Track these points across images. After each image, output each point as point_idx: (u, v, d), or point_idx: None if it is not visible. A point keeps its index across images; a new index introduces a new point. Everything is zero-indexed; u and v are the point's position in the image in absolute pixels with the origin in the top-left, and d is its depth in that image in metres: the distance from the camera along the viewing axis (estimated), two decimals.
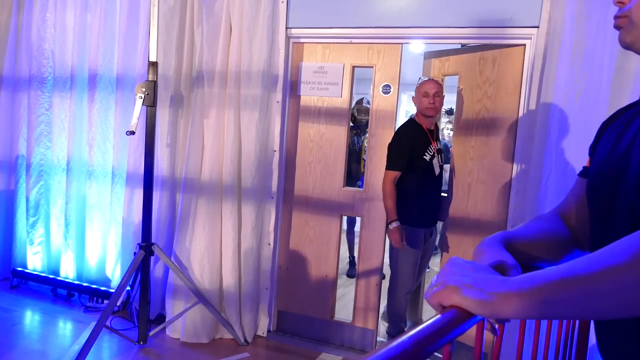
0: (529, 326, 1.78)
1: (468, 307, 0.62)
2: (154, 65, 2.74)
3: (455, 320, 0.60)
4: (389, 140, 2.95)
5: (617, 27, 0.78)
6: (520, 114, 2.67)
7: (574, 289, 0.54)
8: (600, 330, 0.83)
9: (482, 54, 2.90)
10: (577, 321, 1.21)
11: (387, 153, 2.91)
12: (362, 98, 4.50)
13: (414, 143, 2.91)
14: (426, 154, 2.91)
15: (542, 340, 1.09)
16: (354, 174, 4.46)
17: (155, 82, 2.74)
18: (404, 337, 0.53)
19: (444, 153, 3.25)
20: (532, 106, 2.57)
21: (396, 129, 3.03)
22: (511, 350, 2.38)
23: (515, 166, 2.69)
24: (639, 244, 0.52)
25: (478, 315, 0.63)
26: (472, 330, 0.76)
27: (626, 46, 0.77)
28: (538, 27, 2.55)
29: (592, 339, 1.01)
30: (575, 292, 0.54)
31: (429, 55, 3.27)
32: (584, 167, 0.93)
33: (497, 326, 0.74)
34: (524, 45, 2.65)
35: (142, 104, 2.71)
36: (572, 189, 0.95)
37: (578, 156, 2.36)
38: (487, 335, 0.78)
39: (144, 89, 2.71)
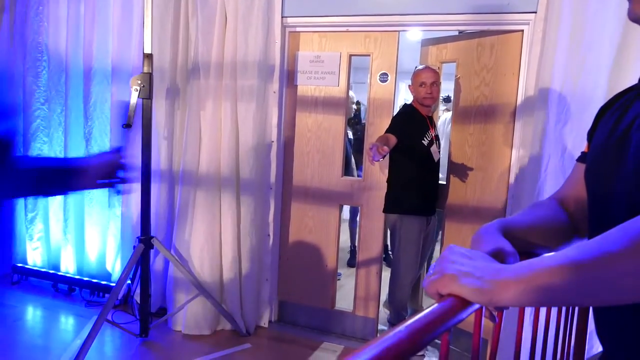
0: (529, 312, 1.78)
1: (466, 295, 0.61)
2: (149, 57, 2.71)
3: (453, 308, 0.60)
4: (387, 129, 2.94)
5: None
6: (519, 100, 2.65)
7: (572, 275, 0.54)
8: (598, 317, 0.83)
9: (479, 41, 2.87)
10: (577, 307, 1.21)
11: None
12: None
13: (412, 125, 2.90)
14: (424, 138, 2.91)
15: (541, 326, 1.09)
16: (357, 164, 4.44)
17: (150, 75, 2.72)
18: (401, 327, 0.53)
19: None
20: (531, 92, 2.55)
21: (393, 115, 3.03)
22: (511, 338, 2.39)
23: (514, 153, 2.67)
24: (637, 230, 0.52)
25: (476, 304, 0.62)
26: (472, 317, 0.75)
27: (636, 19, 0.74)
28: (536, 12, 2.52)
29: (592, 324, 1.01)
30: (574, 279, 0.54)
31: (427, 43, 3.25)
32: (582, 153, 0.92)
33: (495, 314, 0.74)
34: (522, 31, 2.62)
35: (138, 97, 2.69)
36: (571, 175, 0.94)
37: (577, 142, 2.35)
38: (486, 322, 0.78)
39: (139, 82, 2.69)
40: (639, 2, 0.72)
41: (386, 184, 3.00)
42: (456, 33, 3.13)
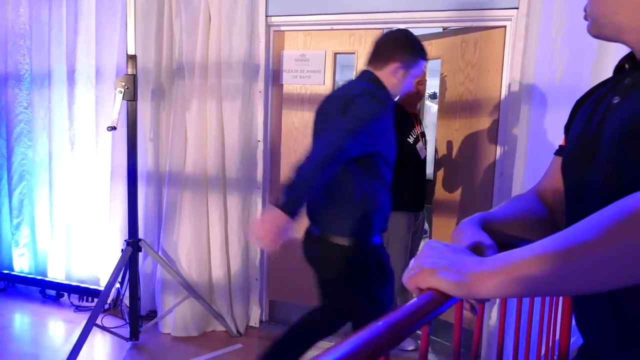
0: (511, 302, 1.80)
1: (444, 289, 0.62)
2: (132, 58, 2.70)
3: (432, 302, 0.60)
4: None
5: (585, 19, 0.82)
6: (503, 95, 2.67)
7: (546, 266, 0.54)
8: (577, 309, 0.84)
9: (463, 37, 2.89)
10: (561, 299, 1.22)
11: None
12: None
13: (397, 123, 2.91)
14: (410, 136, 2.92)
15: (524, 316, 1.10)
16: None
17: (134, 76, 2.70)
18: (379, 322, 0.53)
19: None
20: (515, 87, 2.57)
21: None
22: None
23: (499, 148, 2.70)
24: (608, 219, 0.53)
25: (455, 297, 0.63)
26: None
27: (594, 36, 0.81)
28: (518, 8, 2.55)
29: None
30: (548, 269, 0.54)
31: None
32: (559, 146, 0.93)
33: (476, 306, 0.74)
34: (505, 27, 2.64)
35: (123, 99, 2.67)
36: (549, 168, 0.95)
37: (560, 136, 2.37)
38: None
39: (123, 83, 2.67)
40: (591, 26, 0.80)
41: None
42: (440, 30, 3.14)
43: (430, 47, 3.11)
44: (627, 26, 0.75)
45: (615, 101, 0.75)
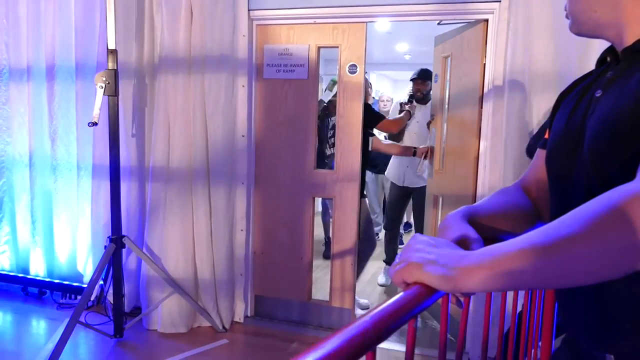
0: (498, 297, 1.82)
1: (431, 283, 0.62)
2: (113, 53, 2.65)
3: (418, 296, 0.61)
4: (357, 121, 2.97)
5: (566, 17, 0.85)
6: (486, 89, 2.69)
7: (531, 259, 0.55)
8: (561, 302, 0.85)
9: (462, 35, 2.94)
10: (544, 291, 1.24)
11: None
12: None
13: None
14: None
15: (508, 307, 1.11)
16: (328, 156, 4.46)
17: (115, 71, 2.66)
18: (366, 317, 0.53)
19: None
20: (499, 81, 2.58)
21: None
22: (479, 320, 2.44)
23: (482, 142, 2.72)
24: (591, 213, 0.53)
25: (441, 291, 0.63)
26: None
27: (575, 34, 0.84)
28: (500, 1, 2.56)
29: None
30: (533, 262, 0.55)
31: (438, 42, 3.33)
32: (543, 139, 0.94)
33: (462, 299, 0.75)
34: (487, 20, 2.66)
35: (103, 94, 2.63)
36: (533, 161, 0.96)
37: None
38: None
39: (104, 79, 2.63)
40: (572, 24, 0.83)
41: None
42: (460, 25, 3.15)
43: (446, 46, 3.16)
44: (606, 22, 0.76)
45: (598, 94, 0.76)
